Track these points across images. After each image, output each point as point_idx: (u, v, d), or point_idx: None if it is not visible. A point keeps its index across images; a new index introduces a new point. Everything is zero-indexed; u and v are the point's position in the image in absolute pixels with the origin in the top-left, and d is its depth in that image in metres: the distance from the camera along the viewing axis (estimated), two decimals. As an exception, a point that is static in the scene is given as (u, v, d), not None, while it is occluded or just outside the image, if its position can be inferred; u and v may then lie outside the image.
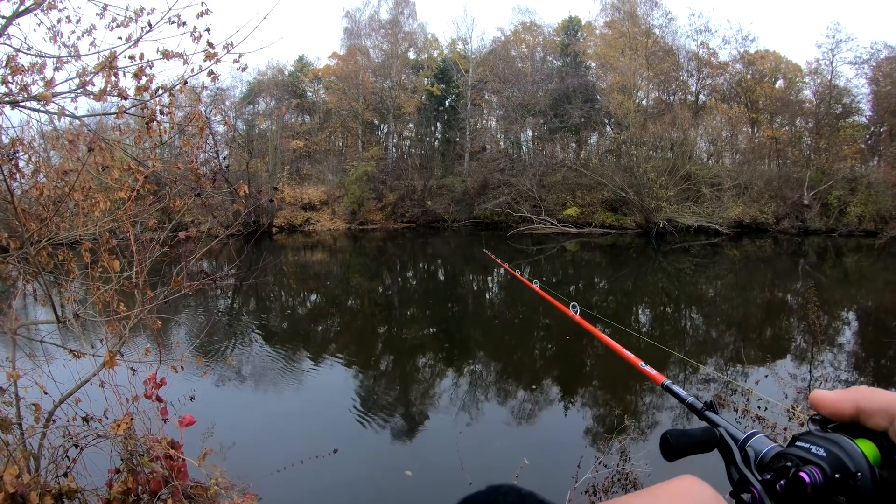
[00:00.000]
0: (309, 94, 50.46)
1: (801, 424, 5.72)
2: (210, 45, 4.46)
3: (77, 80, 3.97)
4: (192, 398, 7.18)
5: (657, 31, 43.12)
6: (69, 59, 4.38)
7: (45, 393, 4.16)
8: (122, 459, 4.16)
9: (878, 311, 18.63)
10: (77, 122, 4.33)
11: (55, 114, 3.96)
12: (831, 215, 39.07)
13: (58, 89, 3.86)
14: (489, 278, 25.22)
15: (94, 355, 4.42)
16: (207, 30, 4.49)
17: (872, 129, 44.54)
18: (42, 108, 3.84)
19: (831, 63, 42.31)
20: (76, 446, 4.06)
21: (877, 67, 42.29)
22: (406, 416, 9.70)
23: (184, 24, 4.44)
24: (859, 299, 21.15)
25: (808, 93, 44.90)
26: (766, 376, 8.06)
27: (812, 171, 39.98)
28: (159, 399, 4.50)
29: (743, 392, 7.91)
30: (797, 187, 39.86)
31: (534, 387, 11.19)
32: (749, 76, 44.62)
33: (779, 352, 13.40)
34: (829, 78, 42.81)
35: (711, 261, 30.21)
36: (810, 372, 10.97)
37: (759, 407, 6.73)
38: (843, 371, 11.90)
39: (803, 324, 14.44)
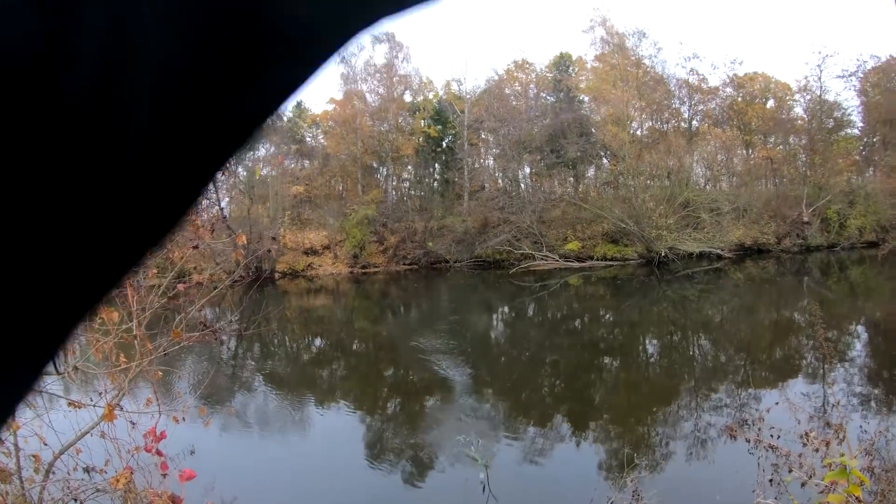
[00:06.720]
0: (308, 139, 51.01)
1: (816, 450, 5.55)
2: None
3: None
4: (192, 452, 7.11)
5: (647, 62, 43.46)
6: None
7: (45, 444, 4.14)
8: (123, 514, 4.11)
9: (887, 322, 18.44)
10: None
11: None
12: (832, 230, 38.99)
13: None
14: (494, 316, 25.11)
15: (94, 406, 4.41)
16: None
17: (865, 139, 44.80)
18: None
19: (819, 79, 42.50)
20: (75, 500, 4.02)
21: (864, 78, 42.62)
22: (415, 460, 9.56)
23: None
24: (867, 311, 20.97)
25: (799, 110, 45.13)
26: (777, 403, 7.85)
27: (809, 188, 39.98)
28: (159, 453, 4.43)
29: (754, 422, 7.68)
30: (796, 205, 39.85)
31: (544, 423, 11.04)
32: (740, 99, 44.77)
33: (789, 372, 13.24)
34: (818, 93, 43.00)
35: (715, 286, 30.08)
36: (823, 390, 10.81)
37: (771, 436, 6.53)
38: (857, 385, 11.70)
39: (811, 342, 14.27)
